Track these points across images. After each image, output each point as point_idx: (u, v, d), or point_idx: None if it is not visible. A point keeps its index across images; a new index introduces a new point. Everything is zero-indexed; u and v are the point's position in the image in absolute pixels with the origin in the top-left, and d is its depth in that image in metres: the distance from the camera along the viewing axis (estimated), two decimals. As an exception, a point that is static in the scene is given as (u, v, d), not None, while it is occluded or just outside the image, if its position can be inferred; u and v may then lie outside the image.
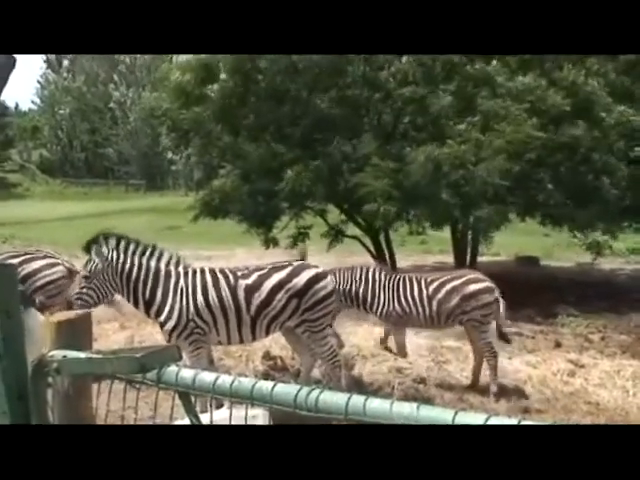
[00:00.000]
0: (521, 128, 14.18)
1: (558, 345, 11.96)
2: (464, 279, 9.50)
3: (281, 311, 8.06)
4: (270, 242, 18.03)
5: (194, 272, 8.02)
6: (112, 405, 2.18)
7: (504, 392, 9.10)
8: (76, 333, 2.50)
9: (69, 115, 67.26)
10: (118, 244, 7.86)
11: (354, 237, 18.33)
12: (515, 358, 10.70)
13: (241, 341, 8.30)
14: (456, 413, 1.43)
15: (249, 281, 8.03)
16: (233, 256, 20.46)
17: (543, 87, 14.99)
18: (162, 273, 7.88)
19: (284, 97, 16.61)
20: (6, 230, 29.21)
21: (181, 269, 7.98)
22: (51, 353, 2.19)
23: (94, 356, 2.06)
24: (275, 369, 9.49)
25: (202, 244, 24.62)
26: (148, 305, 7.86)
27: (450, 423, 1.42)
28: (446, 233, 18.62)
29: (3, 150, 67.70)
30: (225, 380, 1.76)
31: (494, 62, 15.53)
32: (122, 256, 7.82)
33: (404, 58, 16.09)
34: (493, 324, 9.65)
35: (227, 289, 7.94)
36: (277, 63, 16.30)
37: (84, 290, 7.75)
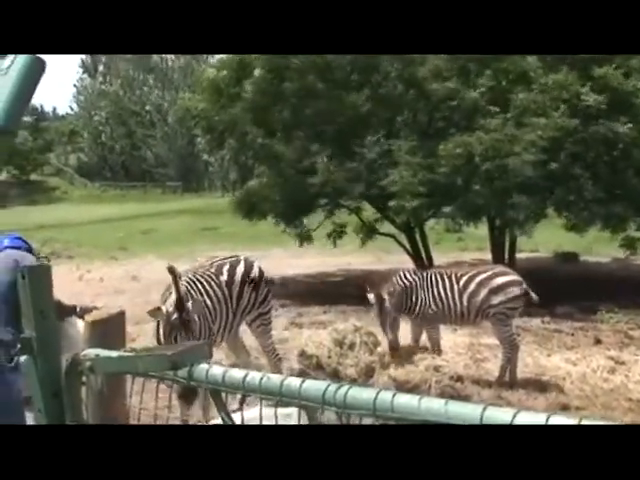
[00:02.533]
0: (554, 121, 14.06)
1: (598, 342, 11.82)
2: (491, 272, 9.55)
3: (247, 304, 8.18)
4: (305, 240, 18.13)
5: (192, 280, 7.77)
6: (145, 403, 2.20)
7: (543, 389, 9.03)
8: (109, 332, 2.53)
9: (106, 119, 67.93)
10: None
11: (390, 235, 18.30)
12: (554, 355, 10.62)
13: (222, 341, 8.24)
14: (485, 408, 1.42)
15: (225, 277, 8.04)
16: (269, 256, 20.50)
17: (578, 83, 14.82)
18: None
19: (318, 95, 16.60)
20: (45, 233, 29.55)
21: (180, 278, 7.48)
22: (84, 352, 2.21)
23: (126, 354, 2.08)
24: (310, 368, 9.50)
25: (238, 244, 24.72)
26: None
27: (479, 418, 1.41)
28: (483, 230, 18.47)
29: (41, 154, 68.54)
30: (254, 377, 1.77)
31: (529, 58, 15.37)
32: None
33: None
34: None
35: (218, 290, 7.90)
36: (310, 60, 16.30)
37: None
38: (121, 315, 2.68)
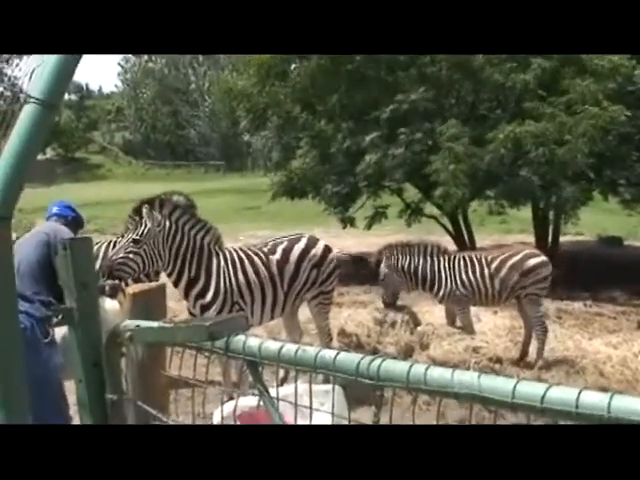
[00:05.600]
0: (606, 113, 13.80)
1: (640, 326, 11.71)
2: (522, 255, 9.53)
3: (305, 283, 8.08)
4: (347, 222, 18.09)
5: (230, 252, 7.75)
6: (183, 373, 2.24)
7: (583, 372, 8.97)
8: (150, 305, 2.57)
9: (151, 98, 68.41)
10: (172, 212, 7.28)
11: (432, 217, 18.20)
12: (595, 339, 10.51)
13: (271, 319, 8.23)
14: (517, 382, 1.43)
15: (277, 256, 7.92)
16: (311, 236, 20.56)
17: (630, 65, 14.56)
18: (206, 251, 7.48)
19: (365, 77, 16.47)
20: (90, 210, 29.84)
21: (220, 249, 7.68)
22: (124, 323, 2.26)
23: (165, 325, 2.12)
24: (350, 346, 9.53)
25: (280, 224, 24.82)
26: (191, 284, 7.43)
27: (511, 392, 1.41)
28: (526, 213, 18.31)
29: (86, 132, 69.36)
30: (290, 349, 1.79)
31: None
32: (174, 226, 7.25)
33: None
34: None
35: (263, 267, 7.79)
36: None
37: (131, 255, 7.02)
38: (162, 288, 2.71)
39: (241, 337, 1.90)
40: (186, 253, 7.35)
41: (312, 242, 8.28)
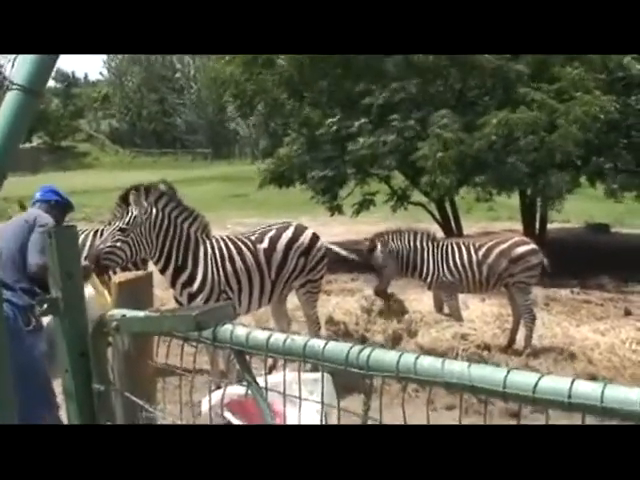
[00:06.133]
0: (598, 101, 13.77)
1: (628, 313, 11.72)
2: (511, 242, 9.53)
3: (293, 271, 8.06)
4: (335, 209, 18.04)
5: (217, 241, 7.72)
6: (170, 361, 2.22)
7: (571, 359, 8.99)
8: (136, 294, 2.53)
9: (137, 85, 68.09)
10: (158, 200, 7.26)
11: (419, 204, 18.17)
12: (583, 326, 10.54)
13: (258, 308, 8.25)
14: (508, 372, 1.41)
15: (265, 244, 7.90)
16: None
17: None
18: (193, 239, 7.44)
19: (351, 63, 16.34)
20: (76, 198, 29.53)
21: (207, 237, 7.64)
22: (110, 312, 2.23)
23: (152, 314, 2.10)
24: (338, 334, 9.52)
25: (267, 212, 24.76)
26: (178, 272, 7.39)
27: (502, 382, 1.40)
28: (514, 200, 18.31)
29: (73, 120, 69.00)
30: (278, 338, 1.77)
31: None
32: (161, 213, 7.23)
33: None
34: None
35: (250, 256, 7.76)
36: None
37: (118, 244, 7.01)
38: (149, 276, 2.68)
39: (228, 326, 1.88)
40: (173, 241, 7.32)
41: (300, 230, 8.25)
